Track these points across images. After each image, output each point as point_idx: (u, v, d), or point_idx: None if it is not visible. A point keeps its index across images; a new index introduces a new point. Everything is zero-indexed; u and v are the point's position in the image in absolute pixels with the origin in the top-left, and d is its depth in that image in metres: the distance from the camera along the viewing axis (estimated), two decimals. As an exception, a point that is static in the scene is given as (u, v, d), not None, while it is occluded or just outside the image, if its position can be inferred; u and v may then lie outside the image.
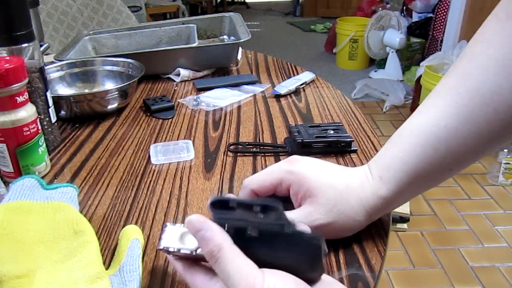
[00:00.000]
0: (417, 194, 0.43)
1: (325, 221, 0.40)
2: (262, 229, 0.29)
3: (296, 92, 0.85)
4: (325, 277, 0.31)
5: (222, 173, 0.58)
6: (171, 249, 0.34)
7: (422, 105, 0.41)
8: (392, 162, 0.41)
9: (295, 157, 0.44)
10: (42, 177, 0.56)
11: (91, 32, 1.07)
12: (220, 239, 0.30)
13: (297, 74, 0.93)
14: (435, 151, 0.39)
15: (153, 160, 0.60)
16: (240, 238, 0.30)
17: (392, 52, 3.22)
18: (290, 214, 0.40)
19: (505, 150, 2.00)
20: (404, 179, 0.40)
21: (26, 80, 0.52)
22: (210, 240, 0.30)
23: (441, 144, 0.38)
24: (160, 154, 0.61)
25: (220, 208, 0.31)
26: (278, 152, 0.63)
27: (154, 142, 0.66)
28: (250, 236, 0.30)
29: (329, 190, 0.40)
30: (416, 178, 0.40)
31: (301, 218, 0.40)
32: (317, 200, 0.40)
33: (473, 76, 0.37)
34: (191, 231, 0.31)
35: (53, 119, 0.64)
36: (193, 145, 0.64)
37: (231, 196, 0.32)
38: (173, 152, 0.62)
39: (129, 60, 0.85)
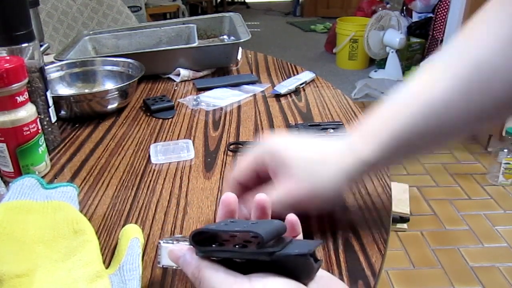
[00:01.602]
0: (400, 163, 0.44)
1: (305, 194, 0.40)
2: (247, 259, 0.30)
3: (296, 91, 0.85)
4: (324, 273, 0.31)
5: (222, 173, 0.58)
6: (174, 267, 0.35)
7: (417, 76, 0.41)
8: (379, 127, 0.40)
9: (268, 139, 0.44)
10: (42, 177, 0.56)
11: (91, 32, 1.07)
12: (198, 261, 0.31)
13: (297, 74, 0.93)
14: (425, 121, 0.38)
15: (153, 159, 0.60)
16: (227, 264, 0.30)
17: (392, 52, 3.22)
18: (272, 195, 0.40)
19: (505, 150, 2.00)
20: (390, 144, 0.39)
21: (26, 80, 0.52)
22: (190, 264, 0.31)
23: (432, 115, 0.38)
24: (160, 153, 0.61)
25: (203, 239, 0.31)
26: (278, 151, 0.63)
27: (154, 142, 0.66)
28: (237, 262, 0.30)
29: (301, 162, 0.40)
30: (403, 145, 0.39)
31: (281, 197, 0.40)
32: (292, 173, 0.40)
33: (472, 53, 0.37)
34: (173, 260, 0.33)
35: (53, 119, 0.64)
36: (193, 145, 0.64)
37: (210, 226, 0.32)
38: (173, 152, 0.62)
39: (129, 60, 0.85)
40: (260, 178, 0.44)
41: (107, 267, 0.40)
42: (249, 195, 0.44)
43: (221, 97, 0.82)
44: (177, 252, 0.32)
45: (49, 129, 0.63)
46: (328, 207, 0.43)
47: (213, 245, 0.31)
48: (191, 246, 0.32)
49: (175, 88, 0.90)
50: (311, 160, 0.41)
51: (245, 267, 0.30)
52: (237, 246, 0.30)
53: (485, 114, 0.38)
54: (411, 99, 0.40)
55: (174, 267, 0.35)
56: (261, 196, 0.36)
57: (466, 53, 0.38)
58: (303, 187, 0.40)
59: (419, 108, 0.39)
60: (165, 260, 0.35)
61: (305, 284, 0.29)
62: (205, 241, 0.31)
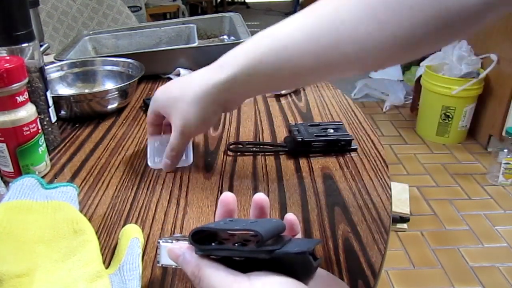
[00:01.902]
0: (262, 91, 0.54)
1: (180, 126, 0.50)
2: (246, 257, 0.30)
3: (296, 91, 0.85)
4: (324, 272, 0.31)
5: (222, 173, 0.58)
6: (173, 266, 0.35)
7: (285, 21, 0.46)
8: (236, 53, 0.47)
9: (158, 90, 0.55)
10: (42, 177, 0.56)
11: (91, 32, 1.07)
12: (197, 259, 0.31)
13: (297, 74, 0.93)
14: (276, 52, 0.44)
15: (150, 163, 0.58)
16: (227, 262, 0.30)
17: (392, 52, 3.22)
18: (170, 143, 0.53)
19: (505, 150, 2.00)
20: (246, 64, 0.45)
21: (26, 80, 0.52)
22: (189, 262, 0.31)
23: (283, 53, 0.43)
24: (157, 155, 0.58)
25: (202, 238, 0.31)
26: (278, 151, 0.63)
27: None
28: (237, 260, 0.30)
29: (167, 99, 0.52)
30: (258, 68, 0.45)
31: (172, 140, 0.52)
32: (171, 113, 0.51)
33: (330, 5, 0.42)
34: (173, 259, 0.33)
35: (53, 119, 0.64)
36: (193, 145, 0.64)
37: (210, 225, 0.32)
38: None
39: (129, 60, 0.85)
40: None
41: (107, 267, 0.40)
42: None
43: (221, 97, 0.82)
44: (176, 251, 0.33)
45: (49, 129, 0.63)
46: (212, 125, 0.55)
47: (213, 244, 0.31)
48: (191, 245, 0.32)
49: (175, 88, 0.89)
50: (181, 100, 0.49)
51: (244, 266, 0.30)
52: (236, 245, 0.30)
53: (331, 63, 0.42)
54: (270, 34, 0.46)
55: (173, 266, 0.35)
56: (260, 196, 0.37)
57: (325, 6, 0.42)
58: (182, 125, 0.50)
59: (274, 40, 0.44)
60: (165, 259, 0.35)
61: (305, 283, 0.29)
62: (205, 240, 0.31)
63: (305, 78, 0.49)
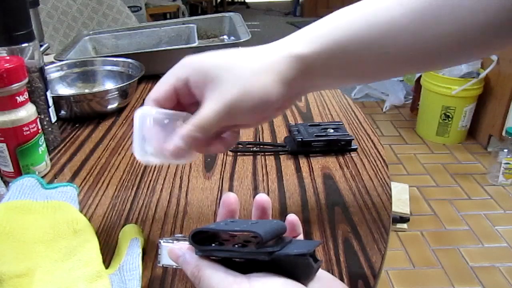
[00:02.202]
0: (341, 78, 0.40)
1: (234, 95, 0.36)
2: (246, 258, 0.30)
3: (296, 91, 0.85)
4: (324, 273, 0.31)
5: (222, 173, 0.58)
6: (174, 267, 0.35)
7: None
8: (318, 27, 0.38)
9: (187, 56, 0.40)
10: (42, 177, 0.56)
11: (91, 32, 1.07)
12: (197, 260, 0.31)
13: (297, 74, 0.93)
14: (369, 33, 0.36)
15: (138, 152, 0.42)
16: (227, 263, 0.30)
17: (392, 52, 3.22)
18: (200, 114, 0.37)
19: (505, 150, 2.00)
20: (327, 43, 0.37)
21: (26, 80, 0.52)
22: (189, 263, 0.31)
23: (375, 27, 0.36)
24: (151, 142, 0.42)
25: (203, 239, 0.31)
26: (278, 151, 0.63)
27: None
28: (237, 262, 0.30)
29: (229, 65, 0.37)
30: (340, 51, 0.37)
31: (211, 106, 0.36)
32: (222, 84, 0.36)
33: None
34: (173, 260, 0.33)
35: (53, 119, 0.64)
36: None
37: (210, 225, 0.32)
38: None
39: (129, 60, 0.85)
40: (180, 104, 0.40)
41: (107, 267, 0.40)
42: None
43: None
44: (176, 251, 0.32)
45: (49, 129, 0.63)
46: (266, 118, 0.41)
47: (213, 245, 0.31)
48: (191, 246, 0.32)
49: (175, 88, 0.89)
50: (240, 66, 0.37)
51: (244, 267, 0.30)
52: (236, 246, 0.30)
53: (430, 50, 0.36)
54: (358, 11, 0.38)
55: (174, 267, 0.35)
56: (262, 196, 0.36)
57: None
58: (235, 97, 0.36)
59: (365, 19, 0.37)
60: (165, 260, 0.35)
61: (305, 284, 0.29)
62: (205, 241, 0.31)
63: (391, 66, 0.39)
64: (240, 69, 0.37)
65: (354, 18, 0.37)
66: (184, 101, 0.40)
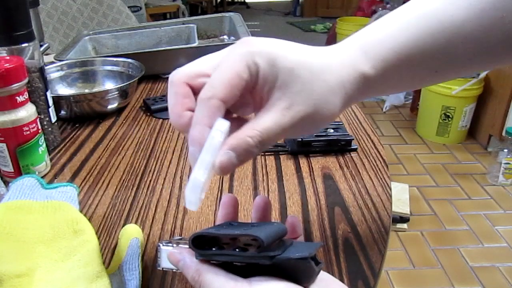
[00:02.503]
0: (397, 89, 0.38)
1: (305, 112, 0.32)
2: (247, 262, 0.29)
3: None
4: (325, 275, 0.31)
5: (222, 173, 0.58)
6: (173, 270, 0.35)
7: None
8: (382, 38, 0.34)
9: (249, 38, 0.33)
10: (42, 177, 0.56)
11: (91, 32, 1.07)
12: (198, 264, 0.30)
13: (297, 74, 0.93)
14: (433, 39, 0.34)
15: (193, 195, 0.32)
16: (227, 267, 0.30)
17: (392, 52, 3.22)
18: (264, 121, 0.31)
19: (505, 150, 2.00)
20: (392, 60, 0.34)
21: (26, 80, 0.52)
22: (190, 267, 0.31)
23: (440, 35, 0.33)
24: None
25: (203, 242, 0.31)
26: (278, 151, 0.63)
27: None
28: (237, 265, 0.30)
29: (304, 72, 0.32)
30: (405, 63, 0.34)
31: (277, 118, 0.31)
32: (292, 86, 0.31)
33: None
34: (173, 263, 0.33)
35: (53, 119, 0.64)
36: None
37: (210, 229, 0.32)
38: None
39: (129, 60, 0.85)
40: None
41: (107, 267, 0.40)
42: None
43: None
44: (177, 255, 0.32)
45: (49, 129, 0.63)
46: (323, 127, 0.37)
47: (213, 248, 0.31)
48: (191, 249, 0.32)
49: (175, 88, 0.89)
50: (313, 71, 0.32)
51: (245, 271, 0.30)
52: (237, 249, 0.30)
53: (490, 44, 0.34)
54: (419, 13, 0.35)
55: (173, 270, 0.35)
56: (262, 198, 0.36)
57: None
58: (307, 105, 0.32)
59: (428, 25, 0.34)
60: (165, 263, 0.35)
61: (306, 287, 0.29)
62: (205, 244, 0.31)
63: (451, 71, 0.37)
64: (317, 82, 0.32)
65: (418, 24, 0.34)
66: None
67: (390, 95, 2.91)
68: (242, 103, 0.34)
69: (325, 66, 0.33)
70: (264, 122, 0.31)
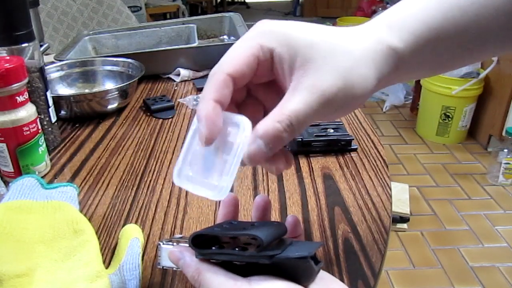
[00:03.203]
0: (435, 68, 0.35)
1: (335, 87, 0.29)
2: (247, 262, 0.29)
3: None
4: (325, 274, 0.31)
5: (222, 173, 0.58)
6: (174, 269, 0.35)
7: None
8: (409, 14, 0.32)
9: (264, 20, 0.32)
10: (42, 177, 0.56)
11: (91, 32, 1.07)
12: (197, 263, 0.30)
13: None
14: (461, 12, 0.31)
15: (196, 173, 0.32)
16: (227, 266, 0.30)
17: (392, 52, 3.22)
18: (291, 102, 0.29)
19: (505, 150, 2.00)
20: (422, 32, 0.31)
21: (26, 80, 0.52)
22: (189, 266, 0.31)
23: (469, 8, 0.31)
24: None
25: (203, 241, 0.31)
26: (278, 151, 0.63)
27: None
28: (237, 264, 0.30)
29: (324, 45, 0.29)
30: (436, 36, 0.32)
31: (305, 98, 0.28)
32: (314, 61, 0.29)
33: None
34: (173, 262, 0.33)
35: (53, 119, 0.64)
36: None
37: (210, 228, 0.32)
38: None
39: (129, 60, 0.85)
40: (254, 77, 0.31)
41: (107, 267, 0.40)
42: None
43: (221, 97, 0.82)
44: (177, 254, 0.32)
45: (49, 129, 0.63)
46: (354, 109, 0.34)
47: (213, 248, 0.31)
48: (189, 249, 0.32)
49: (175, 88, 0.90)
50: (340, 51, 0.29)
51: (245, 270, 0.30)
52: (237, 249, 0.30)
53: None
54: None
55: (174, 269, 0.35)
56: (262, 197, 0.36)
57: None
58: (334, 90, 0.29)
59: (456, 2, 0.32)
60: (165, 262, 0.35)
61: (306, 286, 0.29)
62: (205, 243, 0.31)
63: (482, 50, 0.34)
64: (340, 54, 0.29)
65: (451, 2, 0.32)
66: (254, 79, 0.31)
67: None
68: (261, 85, 0.32)
69: (347, 40, 0.30)
70: (292, 104, 0.28)
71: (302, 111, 0.28)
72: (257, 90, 0.33)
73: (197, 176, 0.31)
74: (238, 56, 0.30)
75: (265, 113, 0.33)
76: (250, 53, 0.30)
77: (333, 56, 0.29)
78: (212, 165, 0.31)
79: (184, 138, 0.67)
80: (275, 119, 0.28)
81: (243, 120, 0.30)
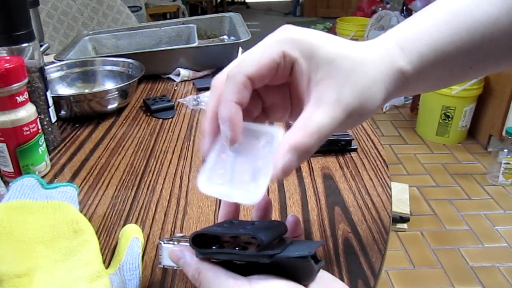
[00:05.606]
0: (432, 87, 0.37)
1: (354, 104, 0.30)
2: (247, 261, 0.29)
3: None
4: (325, 273, 0.31)
5: (222, 173, 0.58)
6: (174, 268, 0.35)
7: None
8: (417, 34, 0.34)
9: (289, 26, 0.33)
10: (42, 177, 0.56)
11: (91, 32, 1.07)
12: (198, 263, 0.31)
13: (297, 74, 0.93)
14: (468, 35, 0.33)
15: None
16: (227, 265, 0.30)
17: (392, 52, 3.22)
18: (319, 116, 0.30)
19: (505, 150, 2.00)
20: (429, 56, 0.33)
21: (26, 80, 0.52)
22: (190, 265, 0.31)
23: (475, 30, 0.33)
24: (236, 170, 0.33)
25: (203, 240, 0.31)
26: (278, 151, 0.63)
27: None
28: (237, 264, 0.30)
29: (346, 63, 0.31)
30: (441, 59, 0.33)
31: (331, 113, 0.30)
32: (336, 78, 0.30)
33: None
34: (174, 261, 0.33)
35: (53, 119, 0.64)
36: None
37: (211, 228, 0.32)
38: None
39: (129, 60, 0.85)
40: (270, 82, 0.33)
41: (107, 267, 0.40)
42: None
43: (221, 97, 0.82)
44: (177, 253, 0.32)
45: (49, 129, 0.63)
46: (363, 121, 0.36)
47: (214, 247, 0.31)
48: (189, 248, 0.32)
49: (175, 88, 0.90)
50: (355, 62, 0.31)
51: (245, 269, 0.30)
52: (237, 248, 0.30)
53: None
54: (455, 10, 0.34)
55: (174, 268, 0.35)
56: (263, 197, 0.36)
57: None
58: (356, 106, 0.31)
59: (464, 21, 0.33)
60: (166, 261, 0.35)
61: (306, 286, 0.29)
62: (206, 242, 0.31)
63: (485, 67, 0.36)
64: (361, 73, 0.31)
65: (452, 20, 0.34)
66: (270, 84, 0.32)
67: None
68: (278, 105, 0.34)
69: (365, 60, 0.32)
70: (319, 118, 0.30)
71: (328, 125, 0.30)
72: (269, 94, 0.34)
73: (227, 183, 0.32)
74: (260, 60, 0.30)
75: (264, 109, 0.35)
76: (272, 59, 0.30)
77: (354, 75, 0.31)
78: (242, 172, 0.32)
79: (184, 138, 0.67)
80: (305, 133, 0.29)
81: (275, 130, 0.31)
